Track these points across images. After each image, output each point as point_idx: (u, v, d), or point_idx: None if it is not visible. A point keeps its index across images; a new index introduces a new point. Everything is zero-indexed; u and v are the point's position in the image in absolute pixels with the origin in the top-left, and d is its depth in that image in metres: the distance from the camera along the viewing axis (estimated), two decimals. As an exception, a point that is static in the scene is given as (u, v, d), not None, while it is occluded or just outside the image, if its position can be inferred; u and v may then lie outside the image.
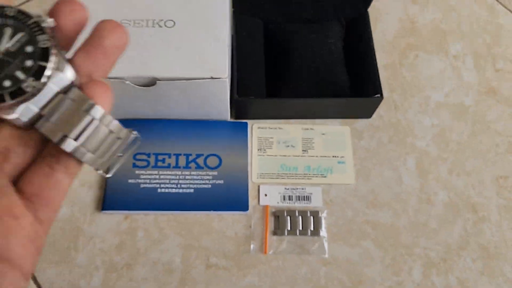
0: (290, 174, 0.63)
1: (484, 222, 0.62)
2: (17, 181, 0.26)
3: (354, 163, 0.64)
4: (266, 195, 0.61)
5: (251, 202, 0.61)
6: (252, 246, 0.59)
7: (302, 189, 0.62)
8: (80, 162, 0.26)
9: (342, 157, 0.64)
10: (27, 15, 0.27)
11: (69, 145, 0.26)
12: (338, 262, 0.58)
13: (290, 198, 0.61)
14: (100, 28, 0.26)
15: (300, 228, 0.59)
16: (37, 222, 0.26)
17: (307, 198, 0.61)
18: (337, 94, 0.64)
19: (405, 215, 0.62)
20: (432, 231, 0.61)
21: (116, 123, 0.27)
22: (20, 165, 0.26)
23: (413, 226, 0.61)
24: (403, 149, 0.66)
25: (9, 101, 0.25)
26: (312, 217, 0.60)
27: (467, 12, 0.77)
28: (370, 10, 0.70)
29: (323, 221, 0.60)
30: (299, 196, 0.61)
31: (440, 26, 0.76)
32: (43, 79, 0.26)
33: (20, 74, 0.26)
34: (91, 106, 0.26)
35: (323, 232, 0.60)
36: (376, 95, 0.62)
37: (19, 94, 0.25)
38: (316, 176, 0.63)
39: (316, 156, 0.64)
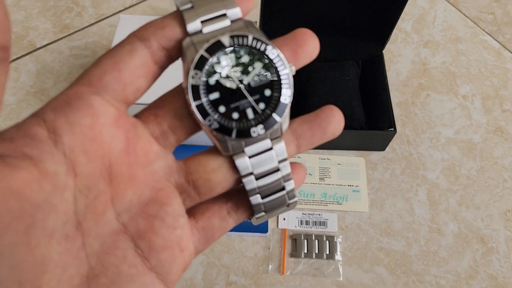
0: (307, 200, 0.66)
1: (493, 253, 0.64)
2: (191, 209, 0.29)
3: (368, 193, 0.68)
4: (284, 219, 0.65)
5: (270, 225, 0.64)
6: (270, 266, 0.62)
7: (319, 214, 0.65)
8: (251, 215, 0.30)
9: (357, 186, 0.68)
10: (281, 59, 0.28)
11: (256, 199, 0.28)
12: (352, 285, 0.61)
13: (307, 222, 0.65)
14: (327, 111, 0.29)
15: (316, 251, 0.62)
16: (193, 253, 0.29)
17: (323, 224, 0.65)
18: (353, 128, 0.69)
19: (417, 244, 0.65)
20: (443, 260, 0.64)
21: (296, 199, 0.30)
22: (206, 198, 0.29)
23: (424, 255, 0.64)
24: (414, 181, 0.69)
25: (233, 138, 0.27)
26: (327, 242, 0.63)
27: (475, 56, 0.82)
28: (385, 52, 0.75)
29: (338, 246, 0.63)
30: (315, 221, 0.65)
31: (450, 69, 0.81)
32: (268, 131, 0.27)
33: (250, 114, 0.27)
34: (288, 179, 0.29)
35: (338, 256, 0.62)
36: (390, 129, 0.66)
37: (244, 135, 0.27)
38: (332, 203, 0.66)
39: (332, 184, 0.68)
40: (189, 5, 0.27)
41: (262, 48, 0.28)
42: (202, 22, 0.27)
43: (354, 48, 0.74)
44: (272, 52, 0.28)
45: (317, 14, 0.68)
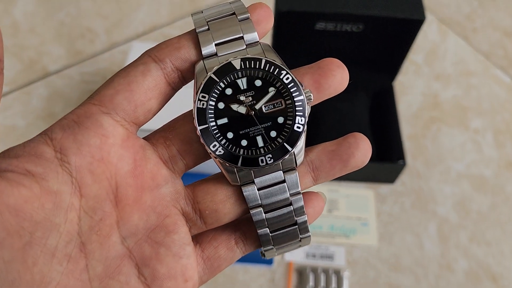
0: (314, 232, 0.65)
1: (505, 292, 0.62)
2: (197, 236, 0.28)
3: (377, 226, 0.67)
4: (290, 251, 0.64)
5: (276, 256, 0.63)
6: (275, 299, 0.60)
7: (326, 247, 0.64)
8: (259, 247, 0.29)
9: (366, 219, 0.67)
10: (296, 84, 0.26)
11: (264, 232, 0.27)
12: (359, 322, 0.59)
13: (313, 255, 0.63)
14: (352, 141, 0.27)
15: (322, 285, 0.61)
16: (197, 284, 0.28)
17: (330, 257, 0.63)
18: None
19: (426, 280, 0.63)
20: (453, 298, 0.62)
21: (309, 234, 0.29)
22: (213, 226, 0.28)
23: (434, 292, 0.62)
24: (424, 215, 0.68)
25: (238, 166, 0.25)
26: (334, 276, 0.62)
27: (486, 90, 0.82)
28: (396, 84, 0.75)
29: (345, 280, 0.62)
30: (322, 254, 0.63)
31: (461, 102, 0.80)
32: (278, 161, 0.26)
33: (260, 142, 0.26)
34: (301, 213, 0.27)
35: (345, 291, 0.61)
36: (400, 162, 0.65)
37: (251, 164, 0.26)
38: (340, 236, 0.65)
39: (340, 217, 0.67)
40: (205, 28, 0.27)
41: (275, 73, 0.26)
42: (217, 45, 0.27)
43: (364, 79, 0.74)
44: (286, 77, 0.26)
45: (327, 47, 0.68)
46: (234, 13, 0.27)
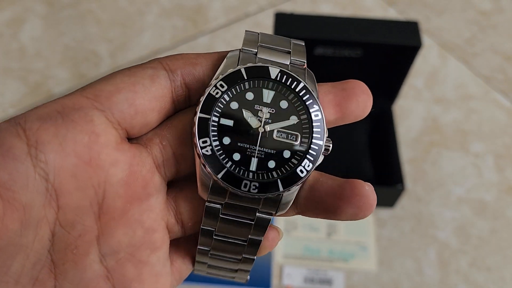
0: (313, 256, 0.65)
1: (506, 319, 0.62)
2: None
3: (376, 251, 0.66)
4: (288, 275, 0.64)
5: (274, 280, 0.63)
6: (272, 324, 0.60)
7: (324, 272, 0.64)
8: (191, 268, 0.27)
9: (365, 243, 0.66)
10: (322, 126, 0.24)
11: (202, 255, 0.25)
12: None
13: (312, 280, 0.63)
14: (353, 191, 0.23)
15: (321, 310, 0.61)
16: None
17: (329, 282, 0.63)
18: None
19: (426, 306, 0.62)
20: (453, 324, 0.61)
21: (247, 276, 0.27)
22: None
23: (434, 318, 0.61)
24: (424, 240, 0.68)
25: (218, 178, 0.22)
26: (333, 300, 0.61)
27: (487, 115, 0.82)
28: (396, 108, 0.76)
29: (343, 305, 0.61)
30: (321, 279, 0.63)
31: (461, 127, 0.80)
32: (261, 195, 0.23)
33: (253, 165, 0.23)
34: (252, 252, 0.25)
35: (343, 316, 0.61)
36: (399, 185, 0.65)
37: (231, 182, 0.22)
38: (338, 261, 0.65)
39: (339, 241, 0.67)
40: (254, 50, 0.24)
41: (308, 103, 0.23)
42: (260, 46, 0.24)
43: (363, 103, 0.75)
44: (315, 113, 0.23)
45: (326, 70, 0.69)
46: (289, 52, 0.25)
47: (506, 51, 0.90)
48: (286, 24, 0.62)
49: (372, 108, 0.25)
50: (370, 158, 0.71)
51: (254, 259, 0.25)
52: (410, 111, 0.82)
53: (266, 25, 0.89)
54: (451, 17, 0.94)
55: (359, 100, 0.24)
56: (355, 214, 0.24)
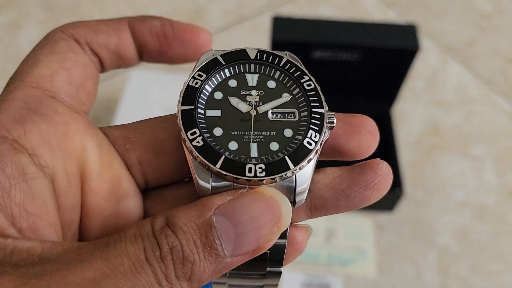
0: (311, 261, 0.65)
1: (506, 325, 0.61)
2: None
3: (375, 255, 0.66)
4: (286, 280, 0.63)
5: (272, 286, 0.63)
6: (270, 330, 0.59)
7: (323, 277, 0.63)
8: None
9: (364, 248, 0.66)
10: (318, 94, 0.22)
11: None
12: None
13: (310, 285, 0.63)
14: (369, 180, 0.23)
15: (319, 316, 0.60)
16: None
17: (327, 287, 0.63)
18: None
19: (425, 311, 0.62)
20: (452, 330, 0.60)
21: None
22: None
23: (433, 323, 0.61)
24: (424, 244, 0.67)
25: (216, 168, 0.20)
26: (331, 306, 0.61)
27: (487, 117, 0.81)
28: (396, 111, 0.75)
29: (342, 311, 0.61)
30: (319, 284, 0.63)
31: (461, 130, 0.80)
32: (271, 178, 0.20)
33: (254, 151, 0.20)
34: (277, 254, 0.22)
35: (341, 322, 0.60)
36: (397, 189, 0.65)
37: (232, 169, 0.20)
38: (337, 265, 0.64)
39: (338, 246, 0.66)
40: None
41: (296, 75, 0.22)
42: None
43: (362, 107, 0.74)
44: (308, 83, 0.22)
45: (324, 74, 0.69)
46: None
47: (507, 54, 0.89)
48: (283, 27, 0.62)
49: (377, 149, 0.23)
50: (369, 162, 0.71)
51: (281, 272, 0.23)
52: (410, 114, 0.81)
53: (264, 28, 0.89)
54: (451, 19, 0.93)
55: (360, 139, 0.23)
56: (379, 192, 0.24)
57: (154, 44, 0.25)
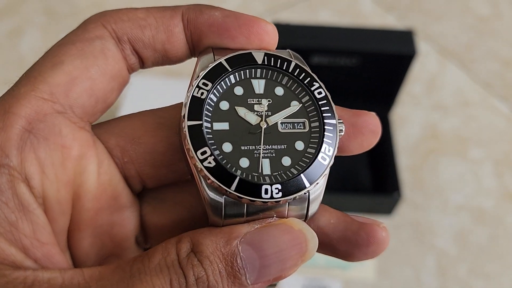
0: (309, 264, 0.65)
1: (504, 327, 0.61)
2: None
3: (374, 259, 0.66)
4: (285, 283, 0.64)
5: (272, 289, 0.63)
6: (270, 333, 0.60)
7: (322, 280, 0.64)
8: None
9: (362, 251, 0.66)
10: (329, 103, 0.21)
11: None
12: None
13: (309, 288, 0.63)
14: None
15: (319, 319, 0.61)
16: None
17: (326, 290, 0.63)
18: (359, 191, 0.68)
19: (424, 314, 0.62)
20: (451, 332, 0.61)
21: None
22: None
23: (432, 326, 0.61)
24: (422, 247, 0.68)
25: (231, 191, 0.19)
26: (330, 309, 0.61)
27: (485, 121, 0.82)
28: (394, 115, 0.76)
29: (341, 314, 0.61)
30: (318, 287, 0.63)
31: (459, 133, 0.80)
32: (286, 198, 0.19)
33: (266, 168, 0.19)
34: None
35: (341, 325, 0.61)
36: (395, 192, 0.65)
37: (248, 191, 0.19)
38: (336, 268, 0.65)
39: (337, 249, 0.67)
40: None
41: (306, 82, 0.21)
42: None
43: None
44: (318, 91, 0.21)
45: (322, 80, 0.69)
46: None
47: (505, 57, 0.90)
48: (282, 33, 0.63)
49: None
50: (367, 166, 0.71)
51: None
52: (408, 118, 0.82)
53: (264, 33, 0.89)
54: (449, 23, 0.94)
55: (363, 140, 0.23)
56: (367, 258, 0.23)
57: (212, 37, 0.22)
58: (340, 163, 0.69)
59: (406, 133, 0.80)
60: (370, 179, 0.70)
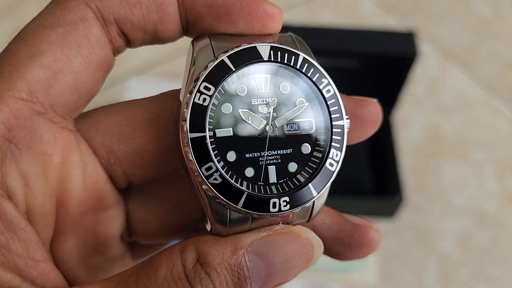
0: (311, 268, 0.65)
1: (507, 331, 0.61)
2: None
3: (375, 262, 0.66)
4: (287, 287, 0.63)
5: (273, 293, 0.63)
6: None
7: (323, 284, 0.63)
8: None
9: (364, 255, 0.66)
10: (338, 102, 0.19)
11: None
12: None
13: (310, 292, 0.63)
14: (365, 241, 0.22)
15: (319, 323, 0.60)
16: None
17: (327, 294, 0.63)
18: (360, 191, 0.68)
19: (426, 318, 0.62)
20: (454, 336, 0.60)
21: None
22: None
23: (434, 330, 0.61)
24: (424, 251, 0.67)
25: (239, 208, 0.18)
26: (331, 313, 0.61)
27: (487, 124, 0.81)
28: (396, 117, 0.75)
29: (342, 318, 0.61)
30: (319, 291, 0.63)
31: (461, 136, 0.80)
32: (294, 210, 0.19)
33: (272, 175, 0.18)
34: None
35: (342, 329, 0.60)
36: (397, 195, 0.65)
37: (257, 207, 0.18)
38: (337, 272, 0.64)
39: (338, 252, 0.66)
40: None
41: (314, 78, 0.19)
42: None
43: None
44: (327, 89, 0.19)
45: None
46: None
47: (507, 59, 0.89)
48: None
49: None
50: (369, 168, 0.71)
51: None
52: (410, 120, 0.81)
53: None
54: (451, 25, 0.93)
55: (364, 130, 0.22)
56: (357, 258, 0.23)
57: (210, 19, 0.20)
58: (342, 165, 0.69)
59: (408, 136, 0.79)
60: (372, 182, 0.70)
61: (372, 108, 0.23)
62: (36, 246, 0.19)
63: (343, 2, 0.94)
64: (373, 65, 0.65)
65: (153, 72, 0.86)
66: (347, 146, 0.67)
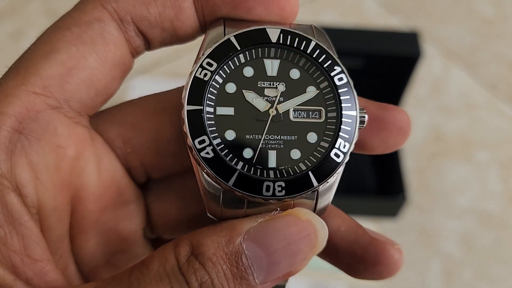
0: (314, 267, 0.64)
1: (511, 332, 0.61)
2: None
3: (378, 262, 0.66)
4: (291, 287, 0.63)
5: (276, 293, 0.63)
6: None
7: (327, 283, 0.63)
8: None
9: (367, 255, 0.66)
10: (350, 91, 0.18)
11: None
12: None
13: (314, 292, 0.63)
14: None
15: (323, 323, 0.60)
16: None
17: (330, 293, 0.62)
18: (363, 191, 0.68)
19: (429, 318, 0.62)
20: (457, 337, 0.60)
21: None
22: None
23: (437, 331, 0.61)
24: (428, 251, 0.67)
25: (229, 185, 0.17)
26: (335, 313, 0.61)
27: (490, 124, 0.81)
28: (397, 117, 0.75)
29: (345, 318, 0.61)
30: (323, 291, 0.63)
31: (464, 136, 0.80)
32: (291, 197, 0.18)
33: (272, 160, 0.17)
34: None
35: (345, 329, 0.60)
36: (400, 195, 0.65)
37: (247, 187, 0.17)
38: (341, 272, 0.64)
39: (341, 252, 0.66)
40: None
41: (326, 66, 0.19)
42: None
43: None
44: (339, 76, 0.19)
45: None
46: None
47: (510, 59, 0.89)
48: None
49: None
50: (372, 168, 0.71)
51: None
52: (414, 120, 0.81)
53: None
54: (454, 25, 0.93)
55: (388, 137, 0.21)
56: (373, 278, 0.21)
57: (227, 9, 0.19)
58: (345, 165, 0.69)
59: (411, 136, 0.79)
60: (375, 181, 0.70)
61: (398, 113, 0.21)
62: (35, 245, 0.18)
63: (346, 2, 0.94)
64: (376, 65, 0.65)
65: (158, 71, 0.86)
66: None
